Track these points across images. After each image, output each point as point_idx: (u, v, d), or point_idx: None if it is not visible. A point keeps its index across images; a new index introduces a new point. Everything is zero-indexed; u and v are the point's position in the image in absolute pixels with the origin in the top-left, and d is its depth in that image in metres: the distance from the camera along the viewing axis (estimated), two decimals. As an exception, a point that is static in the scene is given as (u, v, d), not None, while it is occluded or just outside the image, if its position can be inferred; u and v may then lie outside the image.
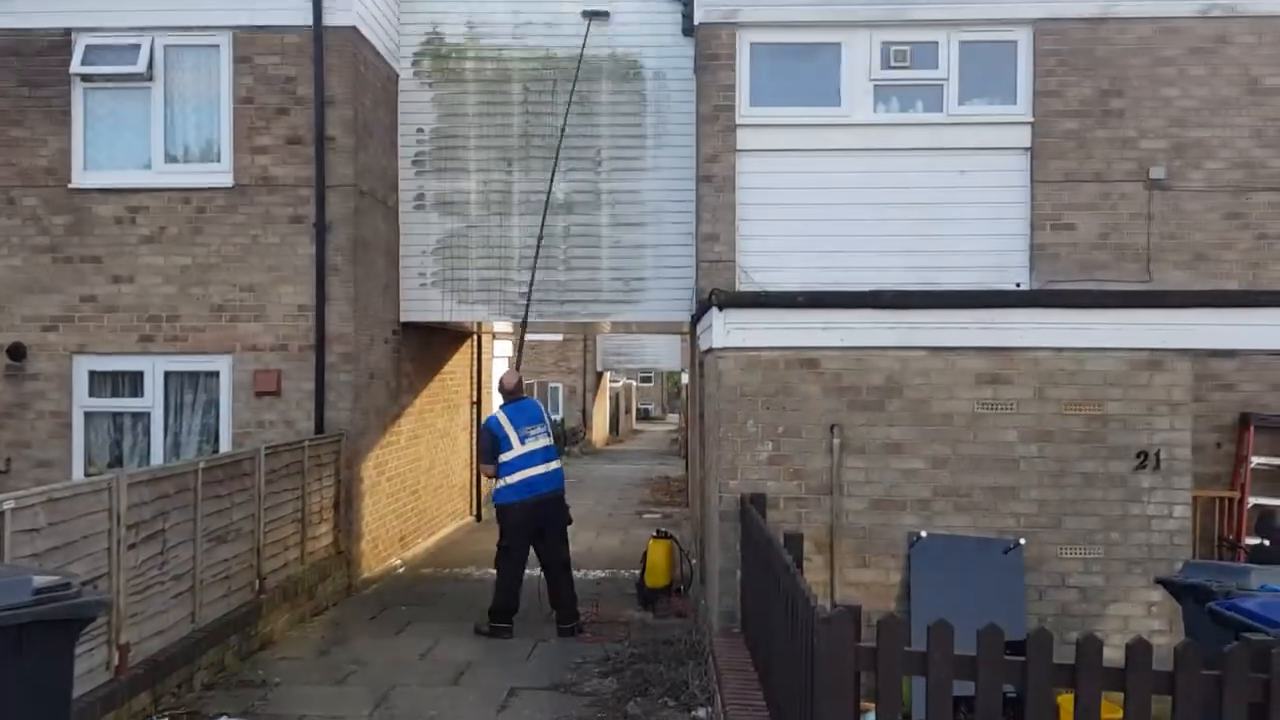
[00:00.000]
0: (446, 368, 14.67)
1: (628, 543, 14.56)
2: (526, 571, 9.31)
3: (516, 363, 11.33)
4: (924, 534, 7.28)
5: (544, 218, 11.50)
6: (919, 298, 7.72)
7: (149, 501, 6.71)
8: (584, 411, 39.80)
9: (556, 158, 11.61)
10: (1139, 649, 3.96)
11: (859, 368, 7.45)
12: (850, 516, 7.41)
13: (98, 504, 6.12)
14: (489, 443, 9.39)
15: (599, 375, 42.29)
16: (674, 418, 65.30)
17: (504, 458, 9.20)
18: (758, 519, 6.46)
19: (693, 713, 6.72)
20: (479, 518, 16.63)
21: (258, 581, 8.44)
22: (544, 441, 9.35)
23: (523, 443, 9.25)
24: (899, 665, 3.97)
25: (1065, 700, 4.15)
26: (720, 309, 7.48)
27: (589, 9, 11.81)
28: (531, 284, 11.37)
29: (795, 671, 4.73)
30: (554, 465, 9.38)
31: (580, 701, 7.09)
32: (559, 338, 38.41)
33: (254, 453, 8.50)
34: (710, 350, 7.87)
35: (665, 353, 43.65)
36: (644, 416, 68.09)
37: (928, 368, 7.39)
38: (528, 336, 22.77)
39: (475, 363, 16.42)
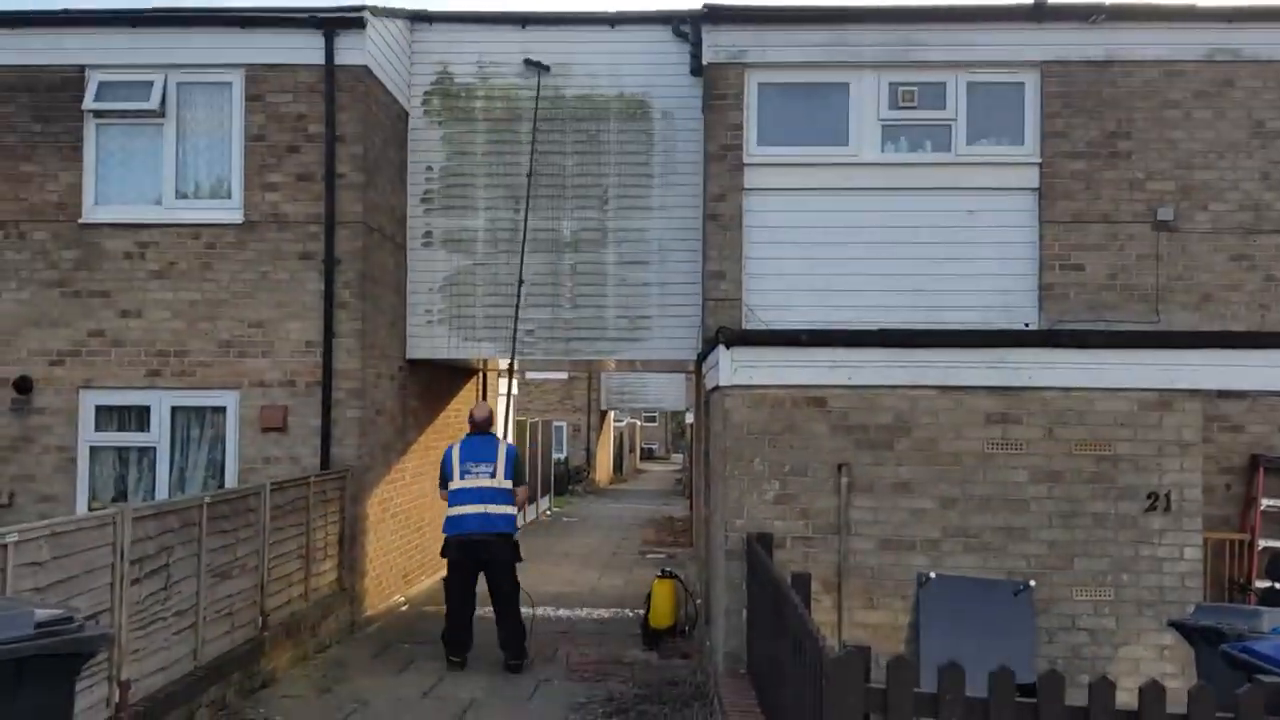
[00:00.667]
0: (452, 404, 14.64)
1: (631, 583, 14.45)
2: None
3: (505, 399, 11.37)
4: (933, 575, 7.22)
5: (522, 255, 11.65)
6: (927, 337, 7.72)
7: (153, 536, 6.67)
8: (588, 450, 39.69)
9: (528, 199, 11.66)
10: (1152, 692, 3.90)
11: (867, 406, 7.43)
12: (858, 556, 7.36)
13: (101, 538, 6.09)
14: (442, 470, 9.46)
15: (603, 414, 42.25)
16: (678, 457, 65.12)
17: (450, 488, 9.28)
18: (764, 558, 6.41)
19: (698, 755, 6.63)
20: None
21: (261, 618, 8.37)
22: (482, 481, 9.17)
23: (461, 478, 9.23)
24: (910, 708, 3.92)
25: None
26: (727, 347, 7.47)
27: (531, 59, 11.91)
28: (516, 321, 11.57)
29: (803, 713, 4.67)
30: (486, 507, 9.13)
31: (585, 742, 7.01)
32: (564, 376, 38.43)
33: (259, 488, 8.47)
34: (717, 388, 7.85)
35: (669, 392, 43.62)
36: (648, 456, 67.90)
37: (936, 407, 7.37)
38: (532, 375, 22.67)
39: (480, 400, 16.37)
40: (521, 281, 11.68)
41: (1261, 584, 9.45)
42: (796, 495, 7.41)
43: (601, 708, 7.82)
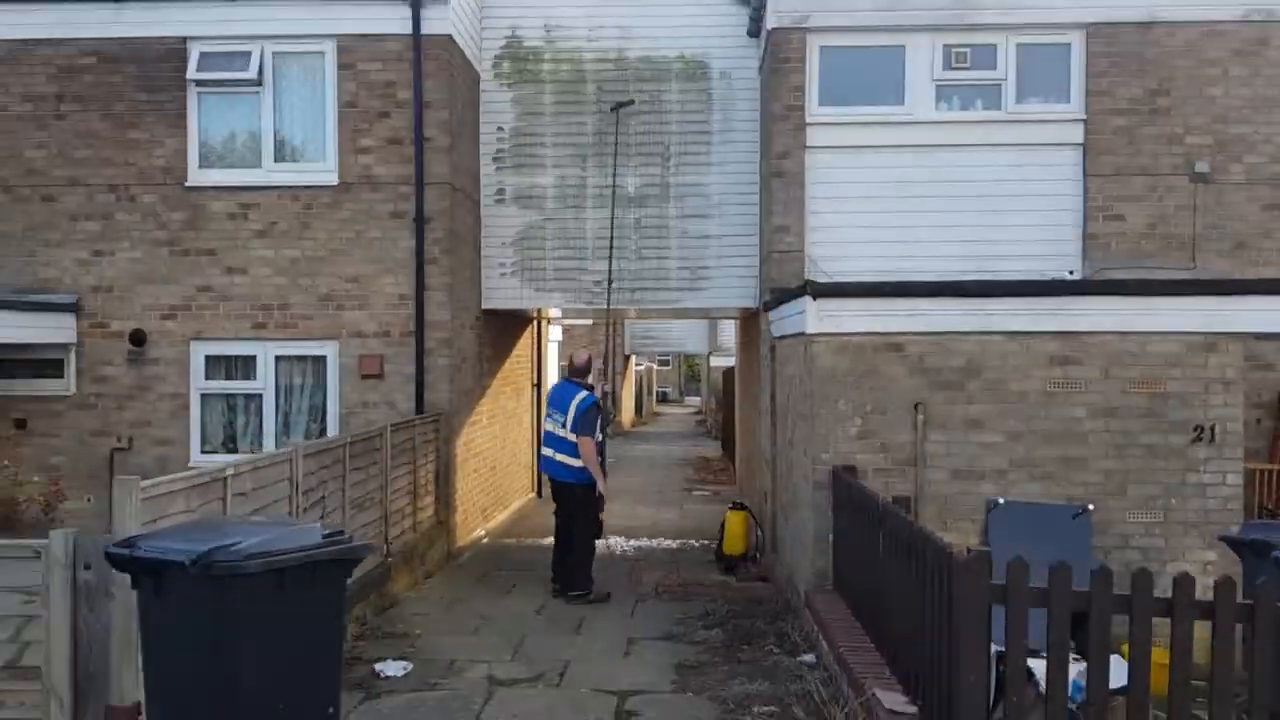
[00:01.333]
0: (514, 351, 15.48)
1: (686, 516, 15.38)
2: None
3: (604, 349, 12.07)
4: (1001, 500, 8.06)
5: (613, 211, 12.31)
6: (997, 287, 8.49)
7: (314, 472, 7.55)
8: (614, 393, 40.58)
9: (615, 152, 12.36)
10: (1184, 582, 4.76)
11: (940, 351, 8.23)
12: (933, 485, 8.20)
13: (282, 473, 6.96)
14: None
15: (626, 358, 43.05)
16: (692, 400, 66.04)
17: None
18: (860, 486, 7.26)
19: (799, 658, 7.52)
20: (540, 493, 17.48)
21: (385, 545, 9.28)
22: (550, 426, 10.00)
23: (545, 420, 10.24)
24: (1026, 599, 4.77)
25: (1159, 655, 4.91)
26: (814, 298, 8.26)
27: (619, 101, 12.52)
28: (611, 269, 12.18)
29: (917, 613, 5.53)
30: (554, 453, 9.92)
31: (694, 649, 7.92)
32: (589, 322, 39.24)
33: (382, 430, 9.34)
34: (801, 335, 8.64)
35: (691, 336, 44.42)
36: (663, 399, 68.80)
37: (1004, 350, 8.17)
38: (568, 322, 23.37)
39: (536, 347, 17.23)
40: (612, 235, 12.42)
41: (1289, 510, 10.28)
42: (877, 431, 8.23)
43: (700, 620, 8.74)
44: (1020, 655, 4.76)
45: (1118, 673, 4.83)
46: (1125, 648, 4.80)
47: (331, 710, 4.62)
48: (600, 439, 10.05)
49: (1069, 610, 4.74)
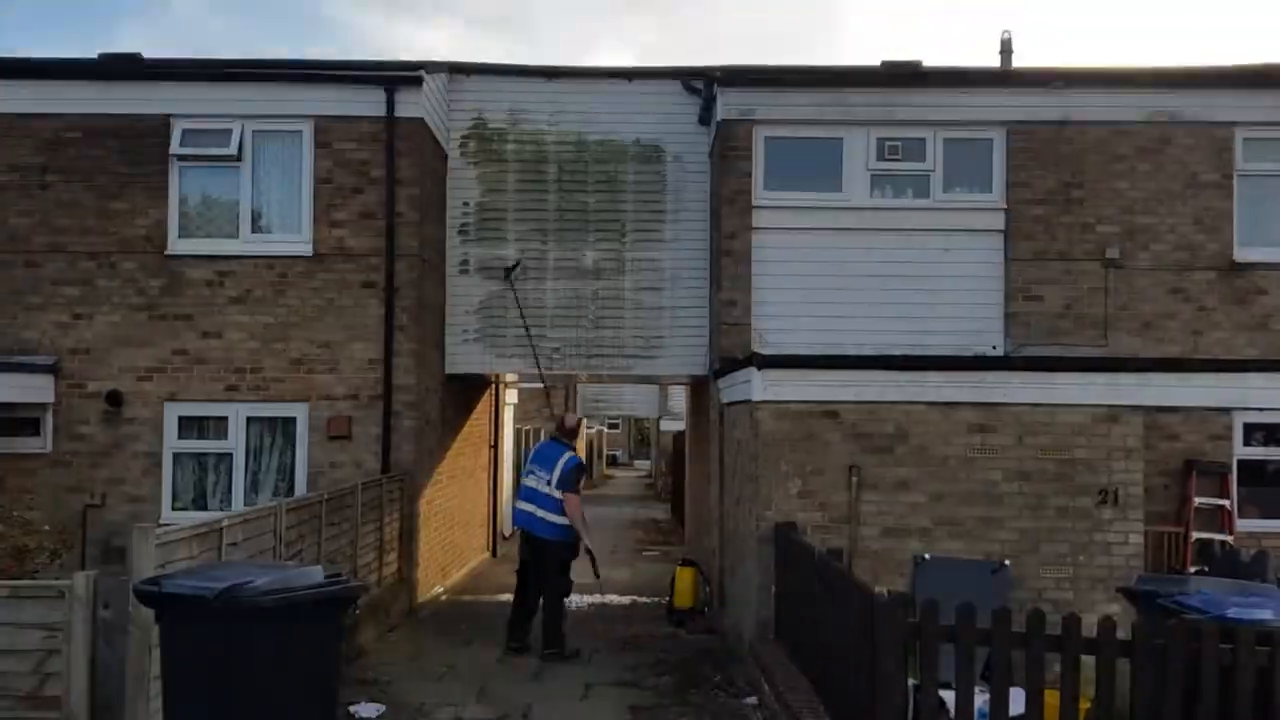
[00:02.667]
0: (473, 414, 16.10)
1: (638, 574, 16.00)
2: (574, 599, 10.35)
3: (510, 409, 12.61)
4: (926, 556, 8.83)
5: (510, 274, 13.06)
6: (922, 361, 9.38)
7: (294, 525, 8.12)
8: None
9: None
10: (1106, 624, 5.53)
11: (872, 418, 9.05)
12: (865, 541, 8.96)
13: (267, 526, 7.54)
14: None
15: (579, 419, 43.59)
16: (642, 463, 66.55)
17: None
18: (801, 540, 8.01)
19: (743, 700, 8.17)
20: (494, 553, 18.01)
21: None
22: (533, 482, 10.18)
23: (524, 476, 10.55)
24: (935, 635, 5.50)
25: (1051, 696, 5.64)
26: (759, 369, 9.06)
27: (508, 267, 13.32)
28: (529, 329, 12.90)
29: (845, 651, 6.25)
30: (529, 507, 10.11)
31: (646, 693, 8.55)
32: (541, 385, 39.85)
33: (354, 488, 9.93)
34: (747, 401, 9.42)
35: (641, 401, 45.18)
36: (612, 462, 69.08)
37: (928, 418, 9.01)
38: (524, 385, 24.00)
39: (494, 409, 17.87)
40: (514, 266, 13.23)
41: (1193, 569, 11.16)
42: (816, 491, 9.00)
43: (652, 668, 9.37)
44: (934, 685, 5.48)
45: (1018, 701, 5.56)
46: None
47: (329, 732, 5.21)
48: None
49: (974, 644, 5.48)
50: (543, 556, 10.15)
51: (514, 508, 10.64)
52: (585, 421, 42.93)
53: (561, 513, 10.07)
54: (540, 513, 10.15)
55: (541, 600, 10.16)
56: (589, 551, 10.39)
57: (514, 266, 13.30)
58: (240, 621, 4.77)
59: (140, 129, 12.11)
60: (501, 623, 10.92)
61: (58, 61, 12.62)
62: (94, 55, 12.61)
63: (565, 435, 10.75)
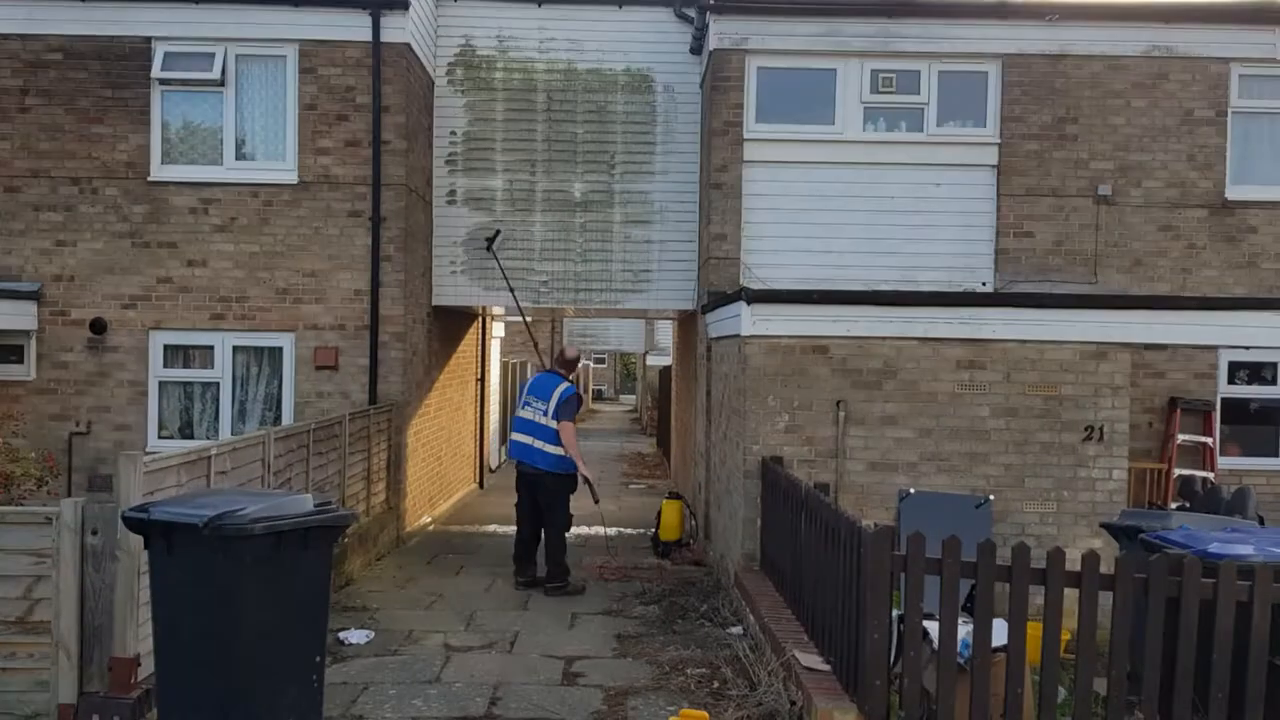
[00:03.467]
0: (461, 346, 16.07)
1: (624, 507, 16.10)
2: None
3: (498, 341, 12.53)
4: (912, 490, 8.89)
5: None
6: (912, 296, 9.35)
7: (283, 455, 8.12)
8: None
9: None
10: (1056, 554, 5.58)
11: (861, 353, 9.04)
12: (852, 476, 9.01)
13: (256, 455, 7.53)
14: None
15: (579, 353, 43.58)
16: (627, 398, 66.76)
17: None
18: (788, 474, 8.03)
19: (728, 629, 8.26)
20: (482, 485, 18.09)
21: (342, 527, 9.83)
22: (529, 414, 10.08)
23: (521, 408, 10.40)
24: (920, 567, 5.55)
25: (1033, 628, 5.71)
26: (749, 303, 9.02)
27: (488, 237, 13.14)
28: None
29: (832, 583, 6.30)
30: (525, 438, 10.02)
31: (632, 622, 8.63)
32: (530, 319, 39.77)
33: (341, 418, 9.91)
34: (736, 336, 9.40)
35: (627, 336, 45.16)
36: (598, 397, 69.29)
37: (918, 354, 9.01)
38: (511, 319, 23.99)
39: (481, 342, 17.84)
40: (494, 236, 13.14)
41: (1174, 505, 11.29)
42: (802, 426, 9.02)
43: (638, 598, 9.46)
44: (917, 616, 5.54)
45: (1000, 632, 5.63)
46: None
47: (318, 659, 5.24)
48: None
49: (958, 576, 5.53)
50: (541, 488, 10.07)
51: (510, 440, 10.45)
52: (586, 356, 42.98)
53: (553, 442, 9.97)
54: (538, 444, 10.03)
55: (544, 534, 10.09)
56: (586, 479, 10.26)
57: (494, 236, 13.16)
58: (230, 549, 4.78)
59: (121, 51, 11.87)
60: (488, 553, 11.03)
61: (36, -20, 12.31)
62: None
63: (563, 367, 10.58)
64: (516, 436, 10.31)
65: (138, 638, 5.55)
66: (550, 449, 10.03)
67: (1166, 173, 12.11)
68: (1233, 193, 12.06)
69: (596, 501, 10.92)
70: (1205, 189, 12.07)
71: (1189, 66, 12.08)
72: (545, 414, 10.05)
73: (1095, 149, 12.09)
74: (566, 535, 10.16)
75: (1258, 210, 12.06)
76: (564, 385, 10.20)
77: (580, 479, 10.22)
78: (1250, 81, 12.12)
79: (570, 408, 10.09)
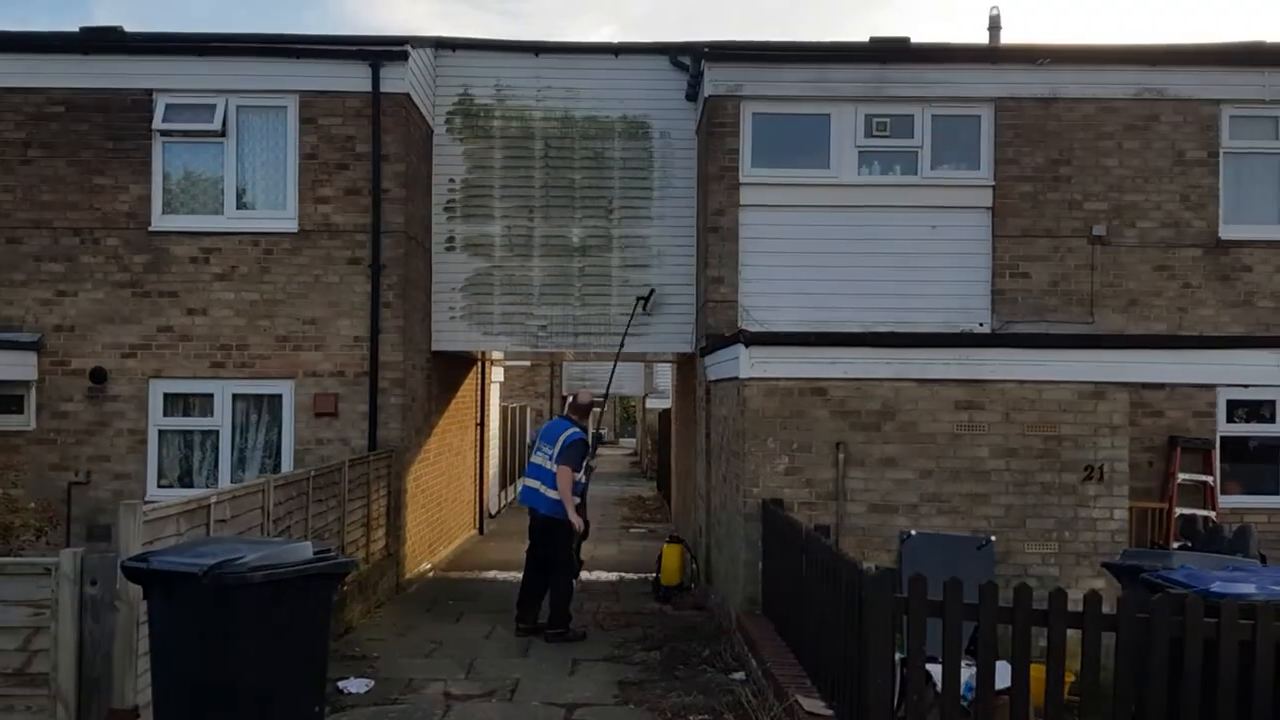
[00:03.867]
0: (460, 391, 16.08)
1: (625, 551, 16.04)
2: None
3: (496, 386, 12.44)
4: (913, 532, 8.87)
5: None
6: (910, 338, 9.37)
7: (282, 502, 8.11)
8: (600, 436, 41.01)
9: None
10: (1093, 598, 5.57)
11: (859, 395, 9.06)
12: (852, 518, 8.99)
13: (256, 502, 7.52)
14: None
15: (564, 399, 43.58)
16: (627, 441, 66.66)
17: None
18: (788, 517, 8.02)
19: (730, 675, 8.20)
20: (482, 531, 18.02)
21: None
22: (539, 459, 10.16)
23: (533, 454, 10.46)
24: (922, 610, 5.53)
25: (1037, 669, 5.69)
26: (747, 346, 9.05)
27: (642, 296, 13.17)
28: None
29: (834, 626, 6.27)
30: (533, 483, 10.05)
31: (634, 668, 8.58)
32: (527, 364, 39.83)
33: (340, 465, 9.91)
34: (734, 379, 9.42)
35: (627, 379, 45.10)
36: (598, 441, 68.85)
37: (916, 395, 9.02)
38: (510, 363, 23.91)
39: (480, 387, 17.85)
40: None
41: (1176, 545, 11.26)
42: (802, 468, 9.02)
43: (639, 644, 9.40)
44: (920, 659, 5.51)
45: (1003, 675, 5.60)
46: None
47: (318, 709, 5.21)
48: (584, 481, 10.15)
49: (961, 619, 5.51)
50: (546, 534, 10.05)
51: (522, 484, 10.49)
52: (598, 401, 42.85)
53: (557, 489, 9.89)
54: (543, 489, 10.01)
55: (549, 580, 10.02)
56: (573, 525, 10.04)
57: (649, 295, 13.05)
58: (229, 598, 4.77)
59: (123, 103, 12.01)
60: (488, 600, 10.97)
61: (38, 35, 12.46)
62: (75, 28, 12.44)
63: (575, 413, 10.49)
64: (526, 481, 10.38)
65: (136, 689, 5.52)
66: (552, 494, 9.98)
67: (1160, 213, 12.19)
68: (1226, 232, 12.14)
69: (578, 547, 10.47)
70: (1199, 229, 12.15)
71: (1180, 108, 12.21)
72: (550, 459, 10.03)
73: (1089, 190, 12.19)
74: (574, 582, 10.11)
75: (1252, 249, 12.14)
76: (571, 430, 10.13)
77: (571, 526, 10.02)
78: (1241, 122, 12.25)
79: (574, 452, 10.00)
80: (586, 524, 10.33)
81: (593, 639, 9.73)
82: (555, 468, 9.94)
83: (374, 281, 11.96)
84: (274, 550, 5.06)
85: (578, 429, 10.23)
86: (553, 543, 10.03)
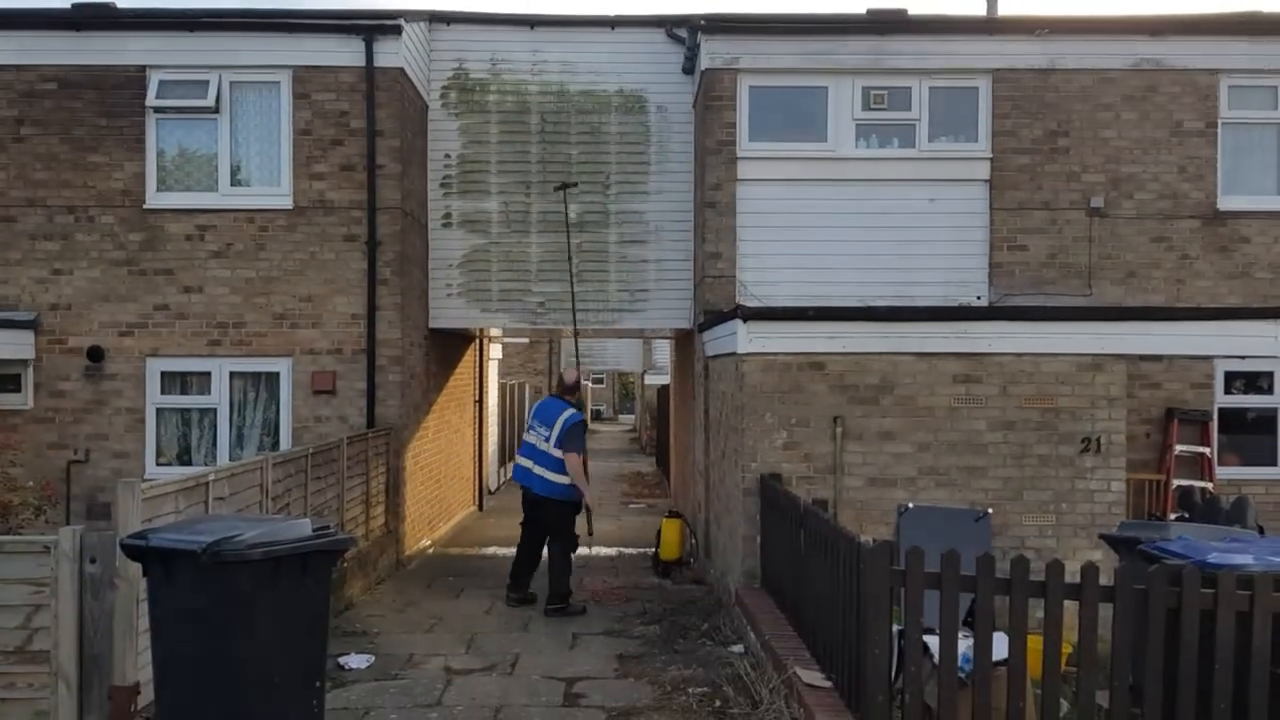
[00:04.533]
0: (458, 368, 16.07)
1: (624, 527, 16.07)
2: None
3: (494, 364, 12.52)
4: (910, 505, 8.88)
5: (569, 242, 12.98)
6: (907, 311, 9.38)
7: (281, 480, 8.11)
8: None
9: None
10: (1090, 570, 5.58)
11: (857, 369, 9.06)
12: (850, 491, 9.01)
13: (254, 480, 7.53)
14: None
15: (578, 377, 43.56)
16: (626, 418, 66.73)
17: None
18: (786, 491, 8.03)
19: (729, 648, 8.24)
20: (481, 507, 18.06)
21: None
22: (533, 439, 10.18)
23: (526, 432, 10.48)
24: (919, 582, 5.55)
25: (1034, 641, 5.70)
26: (744, 321, 9.04)
27: (563, 182, 12.98)
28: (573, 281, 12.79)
29: (832, 599, 6.30)
30: (527, 463, 10.15)
31: (633, 642, 8.62)
32: (526, 341, 39.81)
33: (339, 442, 9.91)
34: (732, 354, 9.42)
35: (625, 355, 45.20)
36: (596, 417, 69.20)
37: (914, 369, 9.02)
38: (508, 340, 23.90)
39: (478, 365, 17.84)
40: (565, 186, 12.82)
41: (1173, 516, 11.29)
42: (800, 442, 9.02)
43: (639, 618, 9.44)
44: (918, 631, 5.53)
45: (1001, 646, 5.62)
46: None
47: (318, 684, 5.23)
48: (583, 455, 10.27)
49: (958, 590, 5.53)
50: (541, 513, 10.16)
51: (515, 463, 10.53)
52: (585, 375, 42.66)
53: (560, 470, 9.99)
54: (538, 470, 10.11)
55: (547, 555, 10.18)
56: (586, 507, 10.34)
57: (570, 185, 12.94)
58: (228, 575, 4.77)
59: (116, 80, 11.93)
60: (488, 575, 11.00)
61: (30, 12, 12.36)
62: (67, 5, 12.35)
63: (567, 392, 10.57)
64: (520, 460, 10.39)
65: (137, 666, 5.54)
66: (551, 476, 10.05)
67: (1158, 184, 12.16)
68: (1224, 203, 12.10)
69: (590, 533, 10.78)
70: (1197, 200, 12.12)
71: (1178, 79, 12.15)
72: (548, 440, 10.08)
73: (1087, 162, 12.15)
74: (572, 557, 10.19)
75: (1250, 220, 12.11)
76: (569, 412, 10.19)
77: (583, 507, 10.24)
78: (1239, 92, 12.19)
79: (576, 437, 10.07)
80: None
81: (592, 613, 9.77)
82: (558, 452, 9.99)
83: (370, 258, 11.92)
84: (273, 528, 5.06)
85: (574, 410, 10.28)
86: (549, 520, 10.13)
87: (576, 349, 12.67)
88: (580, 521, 10.35)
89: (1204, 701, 5.48)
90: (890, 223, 12.10)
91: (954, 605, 5.55)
